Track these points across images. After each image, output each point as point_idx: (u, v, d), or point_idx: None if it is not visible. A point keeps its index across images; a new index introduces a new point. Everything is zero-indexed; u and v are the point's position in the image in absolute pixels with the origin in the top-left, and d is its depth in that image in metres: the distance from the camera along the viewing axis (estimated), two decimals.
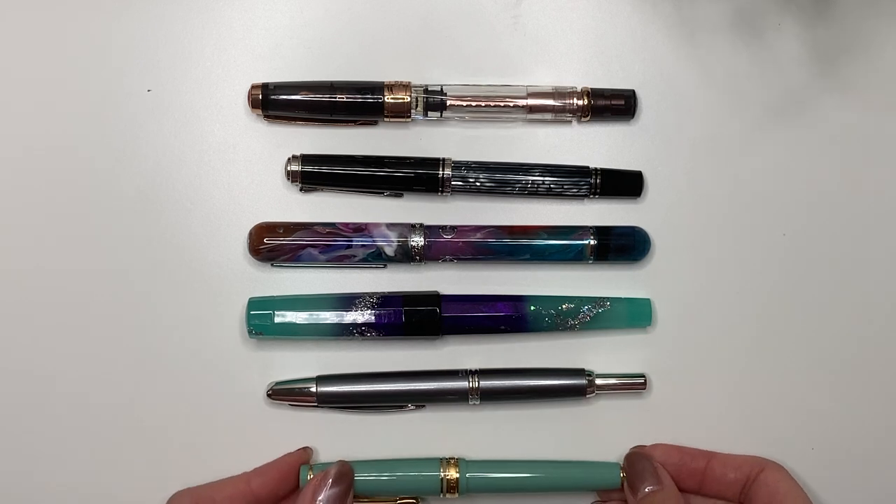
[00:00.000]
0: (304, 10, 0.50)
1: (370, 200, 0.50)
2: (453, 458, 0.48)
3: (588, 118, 0.50)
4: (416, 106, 0.49)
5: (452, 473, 0.48)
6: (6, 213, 0.49)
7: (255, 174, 0.50)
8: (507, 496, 0.49)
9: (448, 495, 0.48)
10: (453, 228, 0.49)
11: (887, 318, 0.51)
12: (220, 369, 0.49)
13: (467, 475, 0.48)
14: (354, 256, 0.49)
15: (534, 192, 0.50)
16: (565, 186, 0.50)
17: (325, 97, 0.49)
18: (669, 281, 0.50)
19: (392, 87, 0.49)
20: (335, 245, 0.49)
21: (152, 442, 0.49)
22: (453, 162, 0.49)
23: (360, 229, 0.49)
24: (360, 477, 0.47)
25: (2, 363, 0.49)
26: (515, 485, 0.48)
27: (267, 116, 0.50)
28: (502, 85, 0.50)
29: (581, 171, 0.50)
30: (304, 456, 0.49)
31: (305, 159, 0.49)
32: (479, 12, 0.51)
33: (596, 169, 0.50)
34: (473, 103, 0.50)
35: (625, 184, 0.50)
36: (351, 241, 0.49)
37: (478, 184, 0.49)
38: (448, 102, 0.49)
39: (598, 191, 0.50)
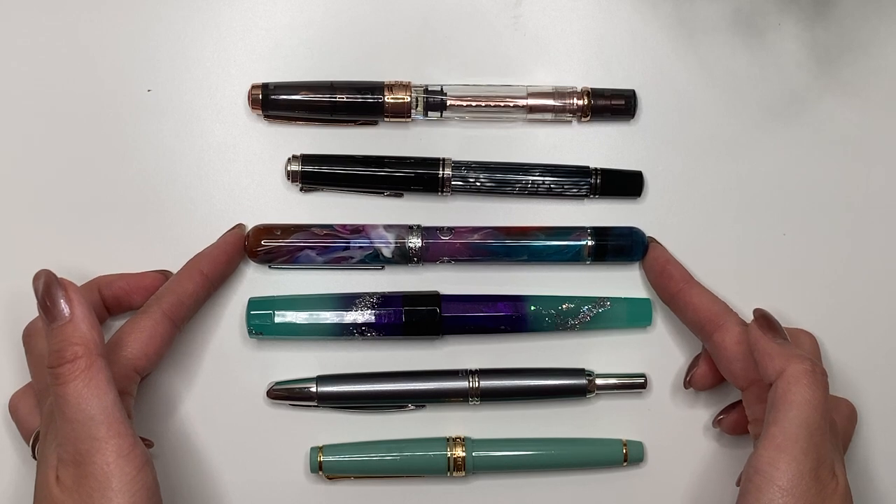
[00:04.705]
0: (304, 10, 0.50)
1: (370, 200, 0.50)
2: (460, 437, 0.49)
3: (588, 118, 0.50)
4: (417, 106, 0.49)
5: (459, 452, 0.48)
6: (6, 214, 0.49)
7: (255, 174, 0.50)
8: (512, 475, 0.50)
9: (455, 474, 0.48)
10: (451, 230, 0.49)
11: (887, 317, 0.51)
12: (220, 369, 0.49)
13: (473, 454, 0.48)
14: (352, 258, 0.49)
15: (534, 192, 0.50)
16: (565, 186, 0.50)
17: (325, 97, 0.49)
18: None
19: (392, 87, 0.49)
20: (333, 247, 0.49)
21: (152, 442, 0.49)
22: (453, 162, 0.49)
23: (358, 231, 0.49)
24: (367, 457, 0.48)
25: (3, 363, 0.49)
26: (521, 462, 0.49)
27: (267, 116, 0.50)
28: (502, 85, 0.50)
29: (581, 171, 0.50)
30: (240, 232, 0.49)
31: (305, 159, 0.49)
32: (479, 12, 0.51)
33: (596, 169, 0.50)
34: (473, 103, 0.50)
35: (625, 184, 0.50)
36: (348, 242, 0.49)
37: (478, 184, 0.49)
38: (448, 102, 0.49)
39: (599, 191, 0.50)
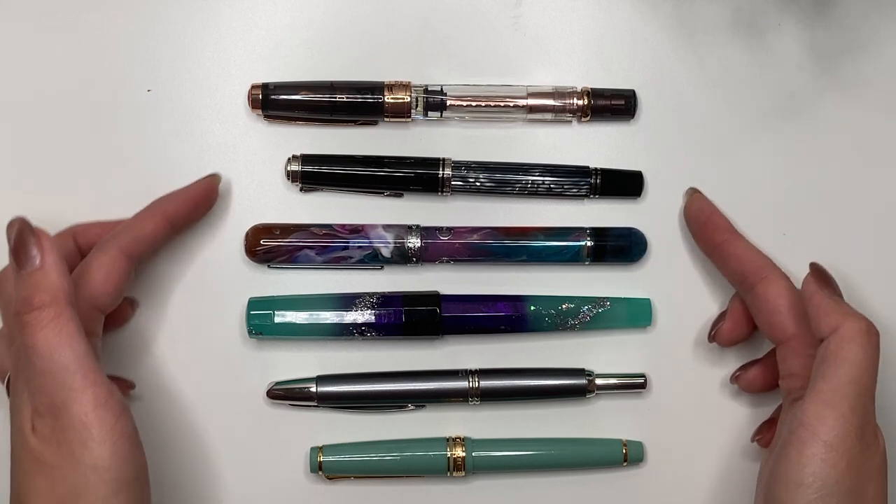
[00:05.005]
0: (304, 10, 0.50)
1: (370, 200, 0.50)
2: (459, 437, 0.49)
3: (588, 118, 0.50)
4: (416, 106, 0.49)
5: (459, 452, 0.48)
6: (6, 214, 0.49)
7: (255, 174, 0.50)
8: (512, 475, 0.50)
9: (455, 474, 0.48)
10: (450, 230, 0.49)
11: (887, 317, 0.51)
12: (220, 369, 0.49)
13: (473, 454, 0.48)
14: (351, 258, 0.49)
15: (534, 192, 0.50)
16: (565, 186, 0.50)
17: (325, 97, 0.49)
18: (669, 281, 0.50)
19: (392, 87, 0.49)
20: (332, 246, 0.49)
21: (152, 442, 0.49)
22: (453, 162, 0.49)
23: (357, 231, 0.49)
24: (367, 457, 0.48)
25: None
26: (521, 462, 0.49)
27: (267, 116, 0.50)
28: (502, 85, 0.50)
29: (581, 171, 0.50)
30: (213, 181, 0.49)
31: (305, 159, 0.49)
32: (479, 12, 0.51)
33: (596, 169, 0.50)
34: (473, 103, 0.50)
35: (625, 184, 0.50)
36: (347, 242, 0.49)
37: (478, 184, 0.49)
38: (448, 102, 0.49)
39: (598, 191, 0.50)
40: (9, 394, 0.44)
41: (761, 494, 0.43)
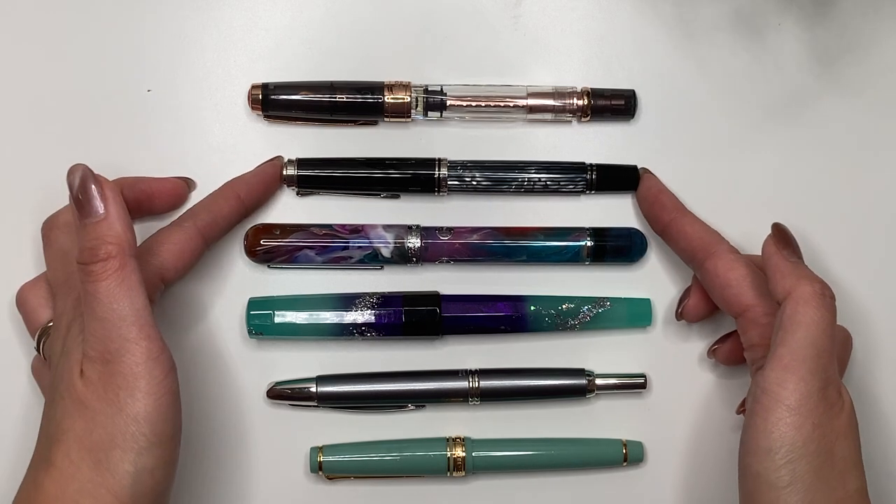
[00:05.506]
0: (304, 10, 0.50)
1: (367, 202, 0.50)
2: (459, 437, 0.49)
3: (588, 118, 0.50)
4: (416, 106, 0.49)
5: (459, 452, 0.48)
6: (7, 214, 0.49)
7: None
8: (512, 475, 0.50)
9: (455, 474, 0.48)
10: (450, 230, 0.49)
11: (887, 317, 0.51)
12: (220, 369, 0.49)
13: (473, 454, 0.48)
14: (351, 258, 0.49)
15: (530, 190, 0.50)
16: (562, 183, 0.50)
17: (325, 97, 0.49)
18: (669, 281, 0.50)
19: (392, 87, 0.49)
20: (332, 247, 0.49)
21: None
22: (449, 161, 0.49)
23: (357, 231, 0.49)
24: (367, 457, 0.48)
25: (4, 364, 0.49)
26: (521, 462, 0.49)
27: (267, 116, 0.50)
28: (502, 85, 0.50)
29: (577, 168, 0.50)
30: (278, 162, 0.49)
31: (301, 163, 0.49)
32: (479, 12, 0.51)
33: (591, 165, 0.50)
34: (473, 103, 0.50)
35: (621, 178, 0.50)
36: (347, 242, 0.49)
37: (474, 183, 0.49)
38: (448, 102, 0.49)
39: (595, 187, 0.50)
40: (37, 348, 0.45)
41: (739, 466, 0.43)
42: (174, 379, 0.41)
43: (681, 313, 0.49)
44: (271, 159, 0.49)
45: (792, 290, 0.42)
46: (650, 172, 0.50)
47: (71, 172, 0.41)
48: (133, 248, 0.41)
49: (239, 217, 0.48)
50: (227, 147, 0.50)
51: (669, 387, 0.50)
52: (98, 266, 0.40)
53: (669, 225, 0.48)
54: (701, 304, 0.48)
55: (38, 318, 0.46)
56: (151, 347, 0.40)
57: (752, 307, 0.45)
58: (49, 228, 0.46)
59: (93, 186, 0.41)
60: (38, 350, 0.46)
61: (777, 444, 0.41)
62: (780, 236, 0.44)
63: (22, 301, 0.47)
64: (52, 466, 0.40)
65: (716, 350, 0.49)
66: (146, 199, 0.48)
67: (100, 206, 0.41)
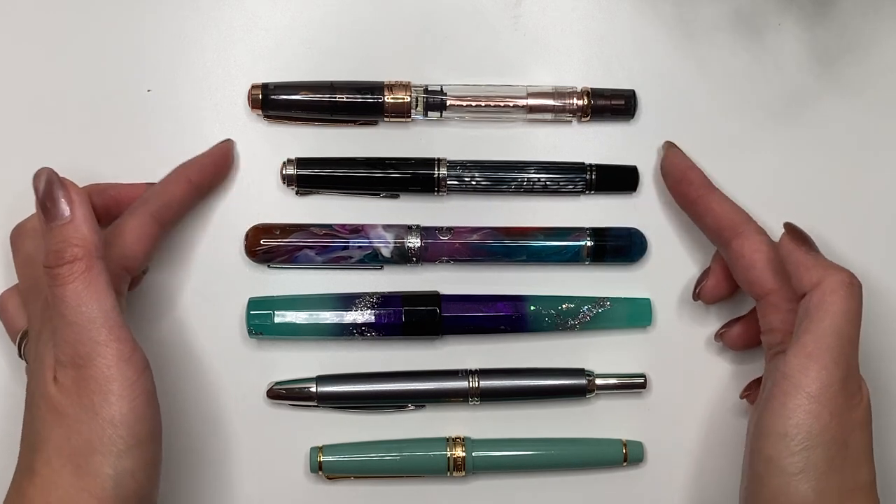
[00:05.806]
0: (304, 10, 0.50)
1: (367, 202, 0.50)
2: (459, 437, 0.49)
3: (588, 118, 0.50)
4: (416, 106, 0.49)
5: (459, 452, 0.48)
6: (7, 214, 0.49)
7: (255, 174, 0.50)
8: (512, 475, 0.50)
9: (455, 474, 0.48)
10: (450, 230, 0.49)
11: (887, 317, 0.51)
12: (220, 369, 0.49)
13: (473, 454, 0.48)
14: (351, 258, 0.49)
15: (530, 190, 0.50)
16: (561, 183, 0.50)
17: (325, 97, 0.49)
18: (669, 280, 0.50)
19: (392, 87, 0.49)
20: (332, 246, 0.49)
21: None
22: (448, 161, 0.49)
23: (357, 231, 0.49)
24: (367, 457, 0.48)
25: (4, 364, 0.49)
26: (521, 462, 0.49)
27: (267, 116, 0.50)
28: (502, 85, 0.50)
29: (576, 168, 0.50)
30: (229, 144, 0.49)
31: (300, 163, 0.49)
32: (479, 12, 0.51)
33: (591, 165, 0.50)
34: (473, 103, 0.50)
35: (621, 179, 0.50)
36: (347, 242, 0.49)
37: (474, 183, 0.49)
38: (448, 102, 0.49)
39: (594, 187, 0.50)
40: (20, 354, 0.45)
41: (748, 449, 0.43)
42: (149, 378, 0.41)
43: (698, 294, 0.49)
44: (223, 141, 0.49)
45: (821, 280, 0.42)
46: (675, 146, 0.49)
47: (36, 177, 0.41)
48: (100, 250, 0.41)
49: (192, 199, 0.48)
50: None
51: (669, 387, 0.50)
52: (65, 269, 0.40)
53: (696, 202, 0.48)
54: (720, 286, 0.48)
55: (17, 325, 0.46)
56: (122, 349, 0.40)
57: (775, 291, 0.45)
58: (16, 236, 0.46)
59: (59, 190, 0.41)
60: (20, 356, 0.46)
61: (794, 431, 0.41)
62: (796, 233, 0.44)
63: (2, 308, 0.47)
64: (35, 475, 0.40)
65: (723, 334, 0.49)
66: (115, 205, 0.47)
67: (65, 209, 0.40)
